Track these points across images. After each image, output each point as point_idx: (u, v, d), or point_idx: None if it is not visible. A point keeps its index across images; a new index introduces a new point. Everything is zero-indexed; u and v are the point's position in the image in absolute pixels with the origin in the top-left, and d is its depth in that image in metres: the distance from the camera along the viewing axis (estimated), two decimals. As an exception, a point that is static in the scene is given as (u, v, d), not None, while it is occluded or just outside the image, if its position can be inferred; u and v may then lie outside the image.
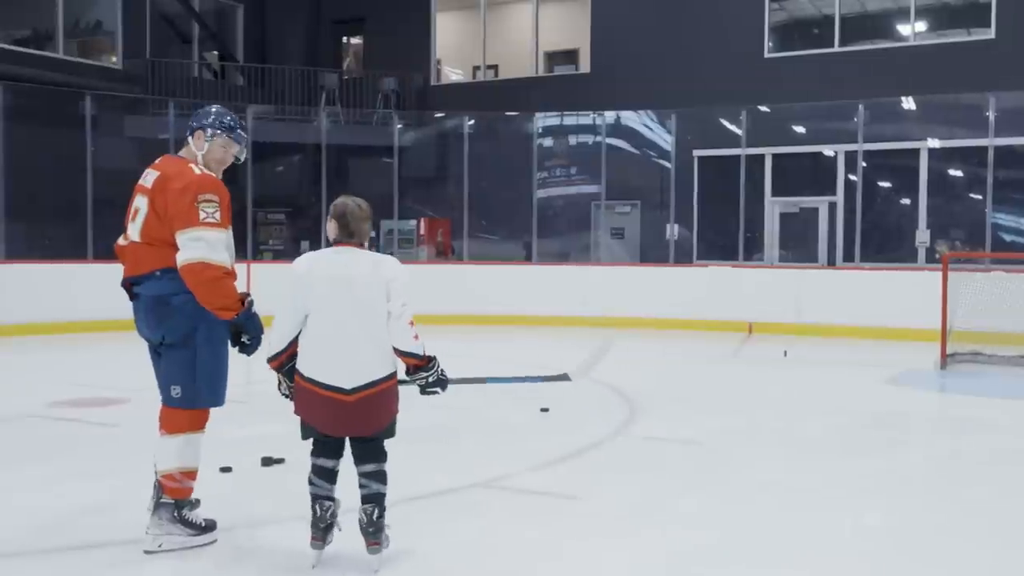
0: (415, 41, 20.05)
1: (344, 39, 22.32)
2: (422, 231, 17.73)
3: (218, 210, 3.89)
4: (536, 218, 16.21)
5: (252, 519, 4.33)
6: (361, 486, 3.74)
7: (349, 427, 3.72)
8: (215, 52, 21.21)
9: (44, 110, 15.27)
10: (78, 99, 14.86)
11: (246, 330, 3.91)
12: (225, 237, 3.91)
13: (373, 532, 3.69)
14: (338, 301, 3.67)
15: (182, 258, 3.82)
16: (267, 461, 5.25)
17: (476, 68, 20.61)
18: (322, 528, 3.71)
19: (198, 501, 4.29)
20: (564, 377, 4.11)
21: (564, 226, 17.55)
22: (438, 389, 3.87)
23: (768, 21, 16.77)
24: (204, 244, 3.82)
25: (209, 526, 4.05)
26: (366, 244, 3.83)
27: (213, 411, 4.29)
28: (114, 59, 18.85)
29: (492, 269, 15.20)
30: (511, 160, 16.98)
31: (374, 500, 3.71)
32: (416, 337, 3.71)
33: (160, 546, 3.94)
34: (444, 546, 4.05)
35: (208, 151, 4.07)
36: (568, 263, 16.44)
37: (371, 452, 3.75)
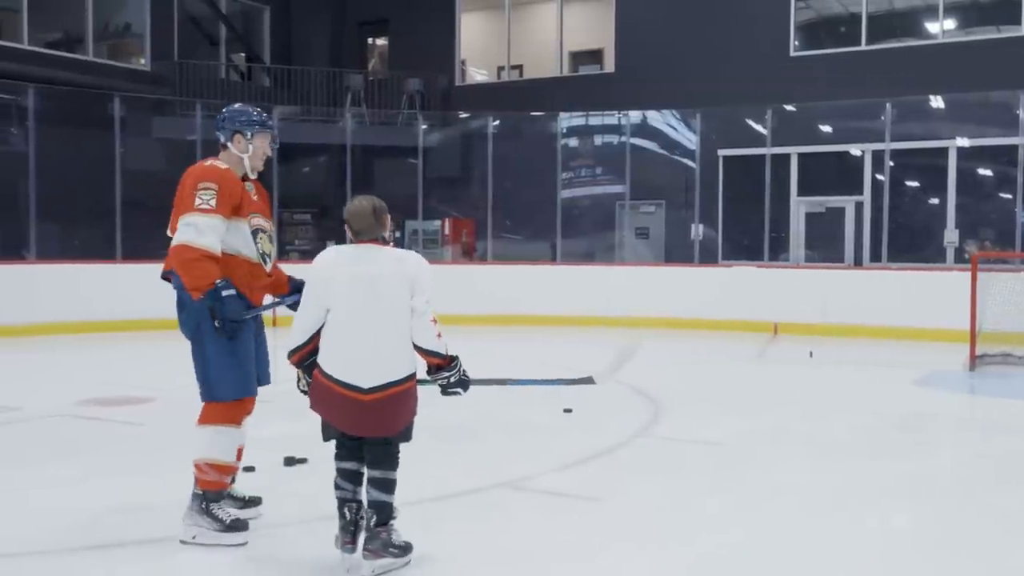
0: (440, 42, 20.09)
1: (369, 40, 22.41)
2: (447, 231, 17.76)
3: (214, 197, 4.02)
4: (560, 218, 16.19)
5: (274, 519, 4.33)
6: (367, 491, 3.71)
7: (364, 427, 3.67)
8: (242, 54, 21.37)
9: (73, 112, 15.42)
10: (106, 101, 15.01)
11: (215, 313, 3.96)
12: (218, 223, 4.01)
13: (369, 539, 3.66)
14: (359, 298, 3.63)
15: (173, 241, 4.01)
16: (290, 461, 5.26)
17: (501, 68, 20.63)
18: (351, 531, 3.66)
19: (253, 499, 4.36)
20: (589, 380, 4.05)
21: (588, 226, 17.50)
22: (459, 390, 3.81)
23: (794, 19, 16.67)
24: (193, 229, 3.97)
25: (235, 525, 4.04)
26: (388, 240, 3.79)
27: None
28: (142, 61, 19.03)
29: (516, 269, 15.19)
30: (535, 160, 16.98)
31: (374, 507, 3.67)
32: (439, 335, 3.66)
33: (194, 538, 3.99)
34: (467, 546, 4.05)
35: (253, 152, 4.24)
36: (592, 263, 16.41)
37: (380, 457, 3.69)
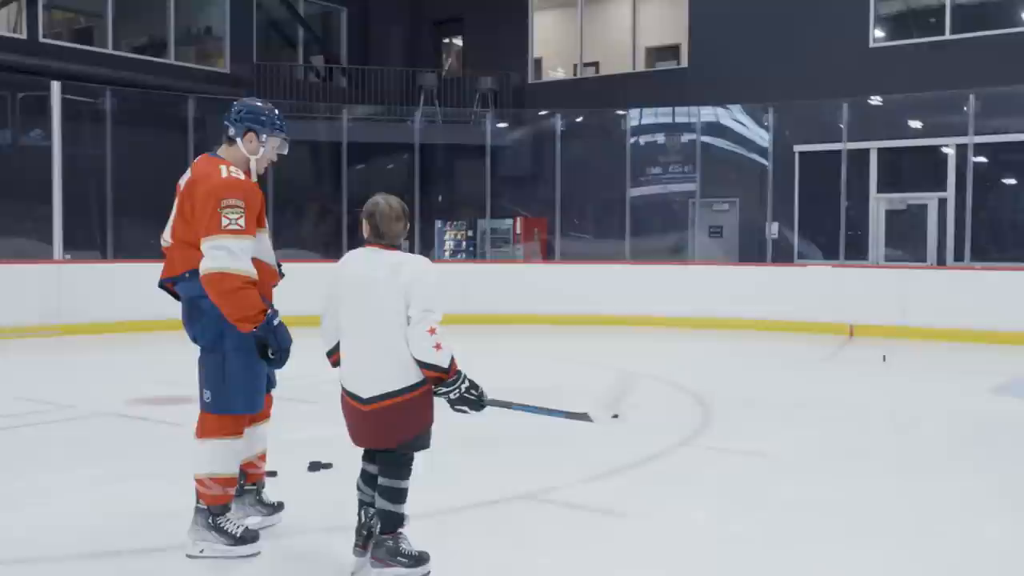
0: (513, 40, 20.02)
1: (445, 39, 22.48)
2: (518, 230, 17.67)
3: (242, 216, 3.77)
4: (630, 217, 15.92)
5: (294, 526, 4.26)
6: (376, 497, 3.63)
7: (364, 438, 3.62)
8: (320, 55, 21.64)
9: (152, 114, 15.83)
10: (182, 103, 15.34)
11: (269, 344, 3.79)
12: (249, 244, 3.80)
13: (376, 547, 3.59)
14: (358, 304, 3.57)
15: (203, 267, 3.75)
16: (314, 466, 5.18)
17: (576, 65, 20.46)
18: (364, 535, 3.62)
19: (281, 504, 4.30)
20: (585, 417, 3.84)
21: (660, 224, 17.18)
22: (465, 408, 3.58)
23: (874, 9, 16.03)
24: (225, 253, 3.72)
25: (246, 537, 3.93)
26: (401, 245, 3.67)
27: (274, 410, 4.31)
28: (223, 64, 19.45)
29: (583, 269, 15.02)
30: (606, 158, 16.75)
31: (380, 516, 3.60)
32: (438, 347, 3.46)
33: (201, 552, 3.89)
34: (474, 564, 3.89)
35: (262, 155, 4.04)
36: (662, 262, 16.06)
37: (388, 466, 3.60)
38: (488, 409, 3.70)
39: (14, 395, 7.72)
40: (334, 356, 3.72)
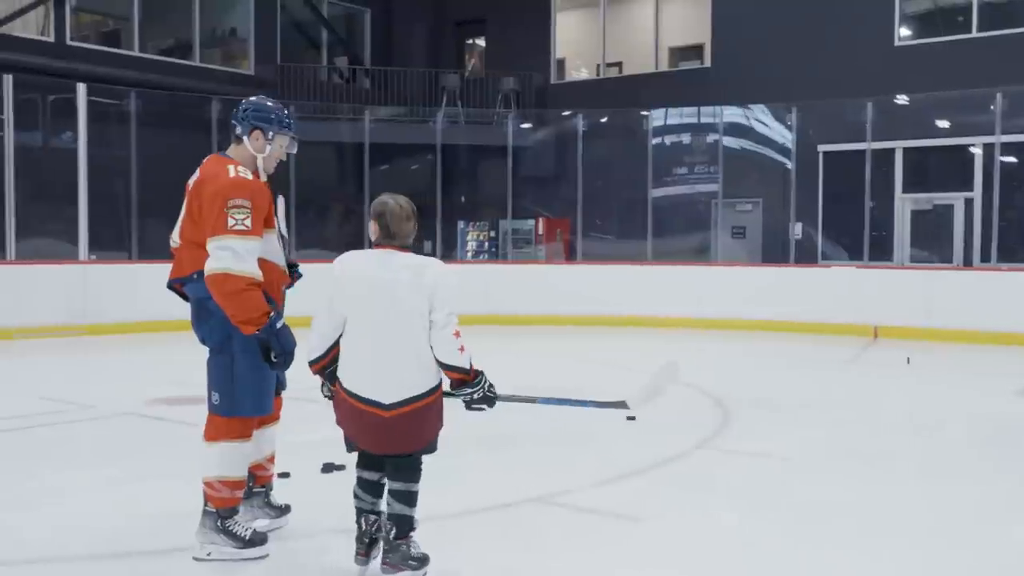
0: (536, 40, 20.00)
1: (468, 40, 22.50)
2: (540, 231, 17.65)
3: (249, 216, 3.71)
4: (651, 217, 15.86)
5: (305, 528, 4.26)
6: (387, 503, 3.61)
7: (387, 444, 3.55)
8: (344, 56, 21.73)
9: (176, 115, 15.95)
10: (207, 104, 15.45)
11: (272, 347, 3.75)
12: (255, 245, 3.76)
13: (388, 552, 3.57)
14: (375, 308, 3.47)
15: (207, 267, 3.71)
16: (327, 468, 5.17)
17: (598, 65, 20.42)
18: (366, 543, 3.60)
19: (288, 507, 4.29)
20: (622, 405, 3.82)
21: (682, 225, 17.11)
22: (484, 406, 3.60)
23: (899, 7, 15.87)
24: (230, 254, 3.67)
25: (255, 540, 3.92)
26: (411, 245, 3.62)
27: (284, 411, 4.29)
28: (247, 65, 19.58)
29: (604, 269, 14.96)
30: (628, 158, 16.70)
31: (394, 520, 3.57)
32: (462, 349, 3.45)
33: (209, 555, 3.88)
34: (485, 567, 3.87)
35: (269, 154, 3.97)
36: (685, 263, 15.97)
37: (403, 470, 3.58)
38: (507, 407, 3.67)
39: (37, 395, 7.80)
40: (320, 363, 3.62)
